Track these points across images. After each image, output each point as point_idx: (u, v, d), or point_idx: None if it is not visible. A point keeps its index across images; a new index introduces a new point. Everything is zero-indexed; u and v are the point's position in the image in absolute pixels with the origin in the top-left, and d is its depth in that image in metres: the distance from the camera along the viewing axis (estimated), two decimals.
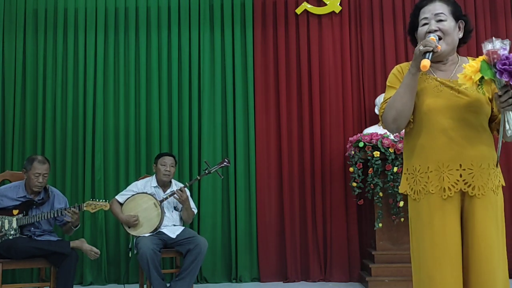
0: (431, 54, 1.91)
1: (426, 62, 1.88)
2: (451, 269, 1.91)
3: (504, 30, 4.99)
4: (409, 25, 2.18)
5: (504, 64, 1.75)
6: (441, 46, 1.99)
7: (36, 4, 4.94)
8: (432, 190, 1.97)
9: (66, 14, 4.94)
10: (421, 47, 1.92)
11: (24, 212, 3.61)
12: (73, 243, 3.60)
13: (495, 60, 1.77)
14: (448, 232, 1.93)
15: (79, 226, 3.81)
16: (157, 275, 3.69)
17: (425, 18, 2.05)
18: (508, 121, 1.85)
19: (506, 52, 1.79)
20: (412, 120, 2.03)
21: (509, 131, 1.85)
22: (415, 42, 2.18)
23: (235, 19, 4.98)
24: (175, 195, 3.97)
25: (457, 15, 2.07)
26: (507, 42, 1.83)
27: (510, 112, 1.84)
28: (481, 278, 1.91)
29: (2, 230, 3.52)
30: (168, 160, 4.11)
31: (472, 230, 1.94)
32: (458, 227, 1.95)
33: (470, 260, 1.93)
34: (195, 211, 4.20)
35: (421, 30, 2.05)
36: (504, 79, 1.76)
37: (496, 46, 1.81)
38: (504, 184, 2.06)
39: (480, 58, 1.82)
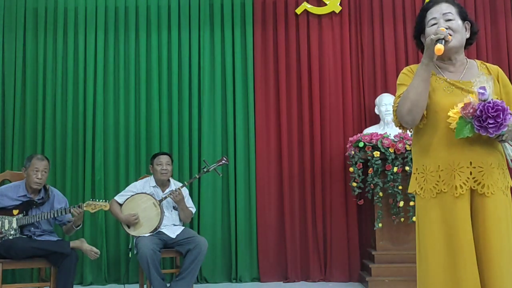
0: (443, 42, 1.93)
1: (440, 46, 1.91)
2: (464, 267, 1.90)
3: (504, 30, 4.99)
4: (415, 29, 2.19)
5: (480, 121, 1.85)
6: (451, 40, 2.01)
7: (36, 3, 4.94)
8: (444, 189, 1.97)
9: (66, 14, 4.94)
10: (433, 36, 1.94)
11: (24, 212, 3.61)
12: (73, 243, 3.60)
13: (470, 116, 1.87)
14: (460, 230, 1.93)
15: (81, 226, 3.81)
16: (157, 275, 3.69)
17: (434, 18, 2.07)
18: (506, 151, 2.00)
19: (485, 96, 1.87)
20: (425, 115, 2.03)
21: (509, 157, 2.00)
22: (421, 47, 2.19)
23: (235, 19, 4.98)
24: (171, 196, 3.96)
25: (463, 16, 2.10)
26: (490, 83, 1.91)
27: (505, 144, 1.98)
28: (493, 276, 1.91)
29: (2, 230, 3.52)
30: (164, 159, 4.11)
31: (483, 228, 1.94)
32: (470, 225, 1.95)
33: (482, 259, 1.93)
34: (193, 210, 4.20)
35: (430, 29, 2.06)
36: (483, 133, 1.87)
37: (475, 88, 1.90)
38: None
39: (456, 115, 1.92)
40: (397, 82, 2.16)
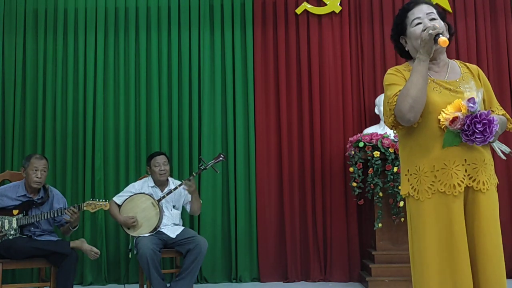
0: (441, 36, 1.94)
1: (445, 38, 1.91)
2: (461, 267, 1.91)
3: (504, 30, 4.99)
4: (394, 30, 2.19)
5: (467, 135, 1.90)
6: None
7: (36, 4, 4.94)
8: (441, 189, 1.96)
9: (66, 14, 4.94)
10: (431, 31, 1.94)
11: (24, 212, 3.61)
12: (73, 243, 3.60)
13: (458, 130, 1.91)
14: (456, 230, 1.93)
15: (77, 227, 3.80)
16: (157, 275, 3.69)
17: (418, 18, 2.07)
18: (496, 149, 2.06)
19: (474, 109, 1.89)
20: (422, 113, 2.01)
21: (499, 154, 2.06)
22: (400, 48, 2.19)
23: (235, 19, 4.98)
24: (183, 186, 3.96)
25: (442, 17, 2.12)
26: (479, 93, 1.94)
27: (493, 144, 2.04)
28: (488, 274, 1.91)
29: (2, 230, 3.52)
30: (160, 159, 4.10)
31: (479, 227, 1.94)
32: (464, 223, 1.95)
33: (477, 257, 1.93)
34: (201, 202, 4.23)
35: (416, 29, 2.06)
36: (470, 144, 1.93)
37: (464, 101, 1.92)
38: (498, 182, 2.08)
39: (446, 124, 1.94)
40: (386, 82, 2.13)
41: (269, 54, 4.96)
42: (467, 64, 2.17)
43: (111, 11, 4.96)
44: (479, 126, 1.87)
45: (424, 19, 2.05)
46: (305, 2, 4.98)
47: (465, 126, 1.89)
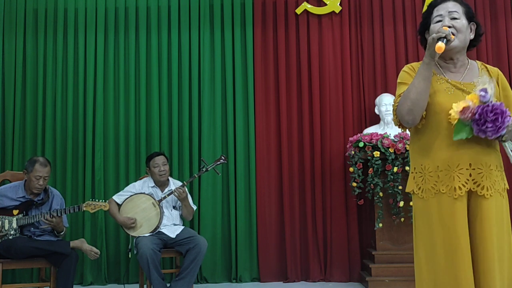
0: (445, 40, 1.93)
1: (441, 45, 1.91)
2: (463, 268, 1.91)
3: (504, 30, 4.99)
4: (420, 24, 2.18)
5: (478, 125, 1.87)
6: (454, 39, 2.00)
7: (36, 4, 4.94)
8: (442, 190, 1.96)
9: (66, 14, 4.94)
10: (434, 35, 1.94)
11: (24, 212, 3.61)
12: (73, 243, 3.60)
13: (469, 120, 1.88)
14: (459, 231, 1.93)
15: (63, 233, 3.76)
16: (157, 275, 3.69)
17: (440, 15, 2.07)
18: (506, 150, 2.01)
19: (486, 98, 1.87)
20: (424, 116, 2.02)
21: (510, 155, 2.01)
22: (424, 43, 2.19)
23: (235, 19, 4.99)
24: (175, 193, 3.96)
25: (470, 17, 2.09)
26: (491, 84, 1.92)
27: (505, 143, 1.98)
28: (489, 278, 1.91)
29: (2, 230, 3.52)
30: (159, 160, 4.09)
31: (480, 230, 1.94)
32: (466, 226, 1.95)
33: (478, 261, 1.93)
34: (195, 207, 4.20)
35: (435, 26, 2.06)
36: (482, 136, 1.89)
37: (476, 91, 1.91)
38: (508, 188, 2.07)
39: (456, 115, 1.91)
40: (398, 80, 2.14)
41: (269, 54, 4.96)
42: (488, 66, 2.15)
43: (111, 11, 4.96)
44: (491, 115, 1.84)
45: (445, 17, 2.04)
46: (305, 2, 4.97)
47: (476, 115, 1.86)
